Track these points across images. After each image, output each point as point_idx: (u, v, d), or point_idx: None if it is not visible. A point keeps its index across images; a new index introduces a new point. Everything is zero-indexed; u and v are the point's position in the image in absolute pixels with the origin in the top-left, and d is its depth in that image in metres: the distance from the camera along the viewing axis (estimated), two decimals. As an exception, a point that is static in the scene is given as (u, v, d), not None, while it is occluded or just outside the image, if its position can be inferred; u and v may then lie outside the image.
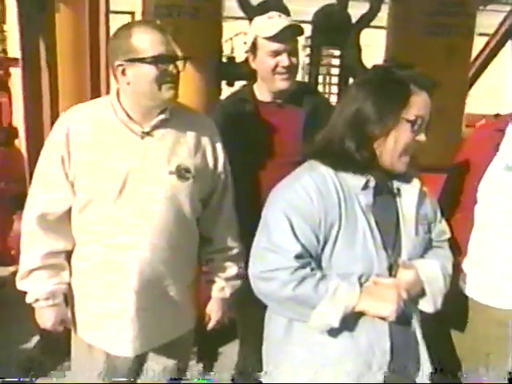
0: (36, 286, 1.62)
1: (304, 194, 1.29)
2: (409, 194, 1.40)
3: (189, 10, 3.29)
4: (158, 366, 1.78)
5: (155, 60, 1.49)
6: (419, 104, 1.31)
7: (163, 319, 1.65)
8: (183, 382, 1.93)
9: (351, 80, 3.84)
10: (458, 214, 1.69)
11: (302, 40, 3.84)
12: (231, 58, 3.61)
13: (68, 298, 1.69)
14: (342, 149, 1.32)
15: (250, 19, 3.56)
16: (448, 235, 1.54)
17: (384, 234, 1.34)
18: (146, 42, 1.50)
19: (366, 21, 3.63)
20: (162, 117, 1.56)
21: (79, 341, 1.71)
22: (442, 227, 1.53)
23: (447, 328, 1.69)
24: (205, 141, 1.66)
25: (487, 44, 4.70)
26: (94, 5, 2.95)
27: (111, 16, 3.30)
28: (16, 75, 3.72)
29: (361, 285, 1.30)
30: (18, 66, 3.32)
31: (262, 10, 3.58)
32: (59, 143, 1.56)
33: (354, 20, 3.68)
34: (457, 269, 1.55)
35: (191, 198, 1.62)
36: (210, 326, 1.81)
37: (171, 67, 1.52)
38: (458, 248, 1.61)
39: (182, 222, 1.62)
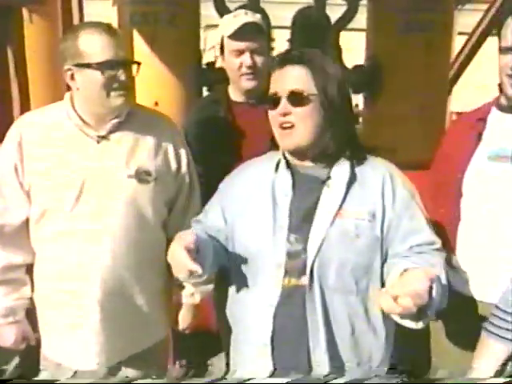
0: (-7, 302, 1.54)
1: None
2: (337, 182, 1.30)
3: (165, 17, 3.25)
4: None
5: (102, 66, 1.41)
6: None
7: (131, 330, 1.57)
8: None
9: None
10: (441, 210, 1.60)
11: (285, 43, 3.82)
12: (211, 64, 3.55)
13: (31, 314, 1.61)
14: None
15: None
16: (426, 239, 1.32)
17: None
18: (93, 46, 1.42)
19: (344, 21, 3.58)
20: (116, 120, 1.49)
21: (46, 359, 1.63)
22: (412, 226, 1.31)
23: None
24: (166, 141, 1.58)
25: (466, 43, 4.61)
26: (68, 17, 2.93)
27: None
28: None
29: None
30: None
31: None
32: (11, 151, 1.49)
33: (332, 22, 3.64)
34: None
35: (153, 201, 1.55)
36: (182, 330, 1.73)
37: (120, 73, 1.44)
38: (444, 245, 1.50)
39: (145, 227, 1.55)
